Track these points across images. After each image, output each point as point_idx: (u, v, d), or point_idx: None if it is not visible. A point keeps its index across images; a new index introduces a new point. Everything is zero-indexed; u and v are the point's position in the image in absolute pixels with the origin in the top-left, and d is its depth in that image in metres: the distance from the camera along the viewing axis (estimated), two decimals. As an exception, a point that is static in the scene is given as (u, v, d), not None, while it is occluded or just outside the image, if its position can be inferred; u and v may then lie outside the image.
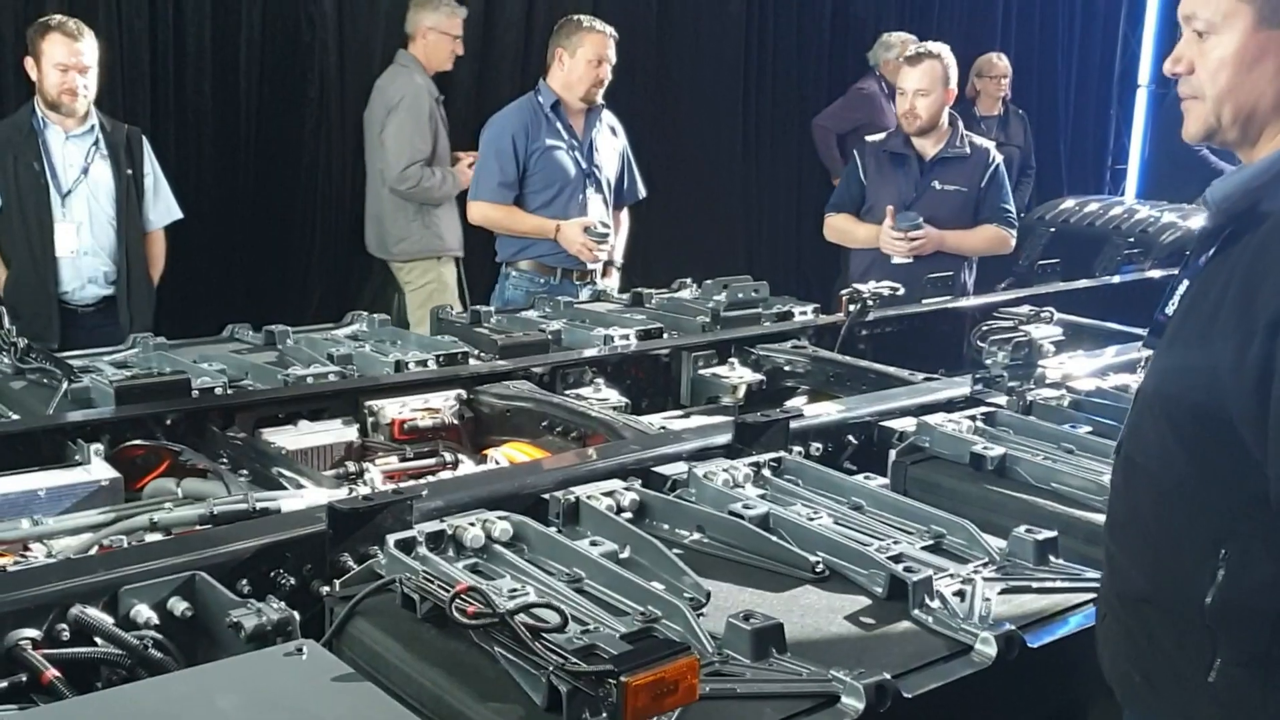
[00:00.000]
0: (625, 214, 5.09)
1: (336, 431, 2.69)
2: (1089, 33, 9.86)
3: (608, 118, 4.92)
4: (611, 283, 4.65)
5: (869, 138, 4.97)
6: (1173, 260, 5.42)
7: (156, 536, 1.99)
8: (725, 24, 7.46)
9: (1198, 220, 5.75)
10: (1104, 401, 2.80)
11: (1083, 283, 4.93)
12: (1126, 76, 10.39)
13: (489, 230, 4.87)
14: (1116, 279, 5.17)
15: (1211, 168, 7.50)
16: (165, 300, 4.81)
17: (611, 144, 4.88)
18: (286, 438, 2.61)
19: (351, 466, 2.47)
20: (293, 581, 1.84)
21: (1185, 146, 7.12)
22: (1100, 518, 2.18)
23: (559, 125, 4.70)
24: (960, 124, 4.83)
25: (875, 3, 8.26)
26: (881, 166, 4.76)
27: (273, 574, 1.84)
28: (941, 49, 4.77)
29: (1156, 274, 5.19)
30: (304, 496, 2.09)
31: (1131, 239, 5.71)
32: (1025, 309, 4.02)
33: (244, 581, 1.80)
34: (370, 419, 2.75)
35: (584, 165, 4.71)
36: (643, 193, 5.17)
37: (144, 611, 1.67)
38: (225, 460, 2.38)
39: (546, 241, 4.60)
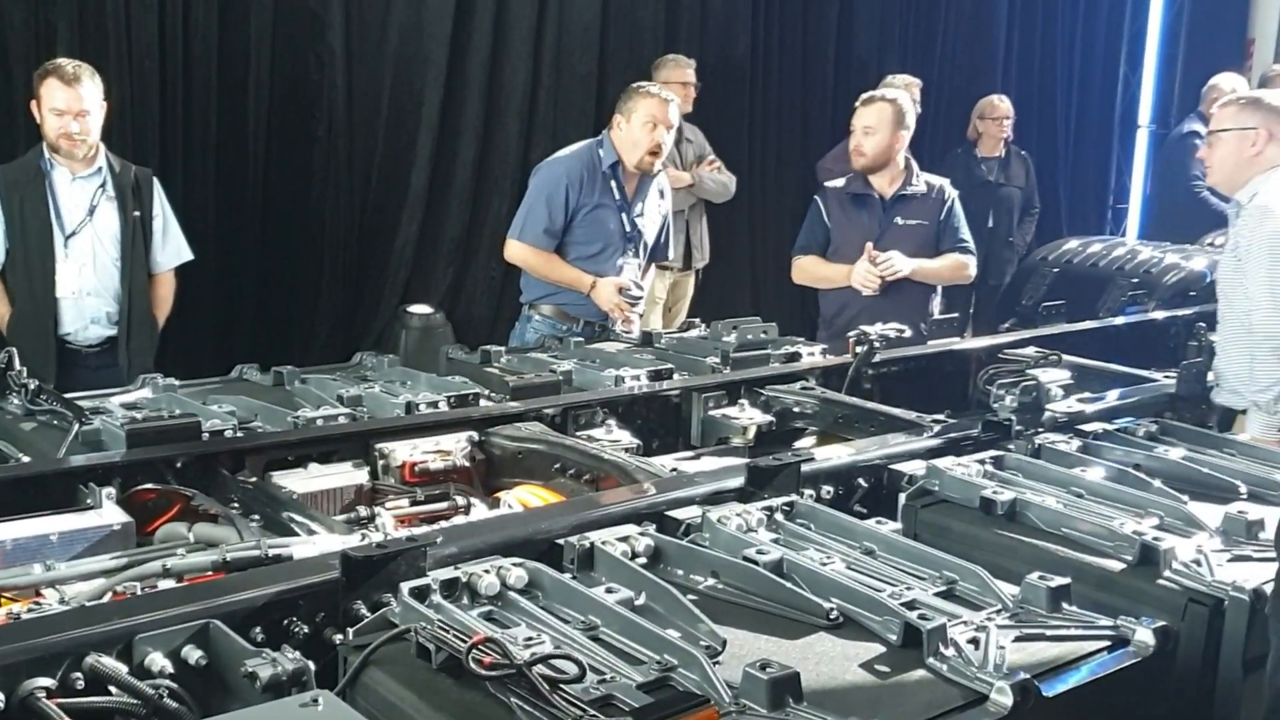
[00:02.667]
0: (652, 270, 5.09)
1: (347, 474, 2.69)
2: (1089, 74, 9.95)
3: (659, 181, 4.86)
4: (631, 330, 4.61)
5: (828, 183, 5.14)
6: (1176, 301, 5.44)
7: (169, 583, 1.98)
8: (730, 65, 7.53)
9: (1200, 261, 5.78)
10: (1113, 445, 2.81)
11: (1087, 324, 4.94)
12: (1127, 117, 10.47)
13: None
14: (1120, 320, 5.19)
15: (1213, 209, 7.54)
16: (168, 340, 4.83)
17: (657, 206, 4.84)
18: (297, 481, 2.60)
19: (363, 511, 2.46)
20: (306, 630, 1.83)
21: (1186, 187, 7.17)
22: (1111, 564, 2.20)
23: (613, 184, 4.64)
24: (914, 164, 4.99)
25: (878, 45, 8.34)
26: (845, 208, 4.93)
27: (286, 622, 1.83)
28: (898, 94, 5.01)
29: (1160, 315, 5.20)
30: (316, 543, 2.09)
31: (1135, 280, 5.73)
32: (1031, 350, 4.06)
33: (257, 629, 1.79)
34: (381, 461, 2.75)
35: (628, 228, 4.67)
36: (672, 254, 5.18)
37: (158, 660, 1.67)
38: (236, 504, 2.38)
39: (575, 291, 4.59)
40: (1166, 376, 3.80)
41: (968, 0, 8.98)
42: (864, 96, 4.95)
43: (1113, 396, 3.38)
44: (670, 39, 7.21)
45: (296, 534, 2.18)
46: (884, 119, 4.81)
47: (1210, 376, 3.77)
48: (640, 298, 4.66)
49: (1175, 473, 2.61)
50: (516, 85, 6.64)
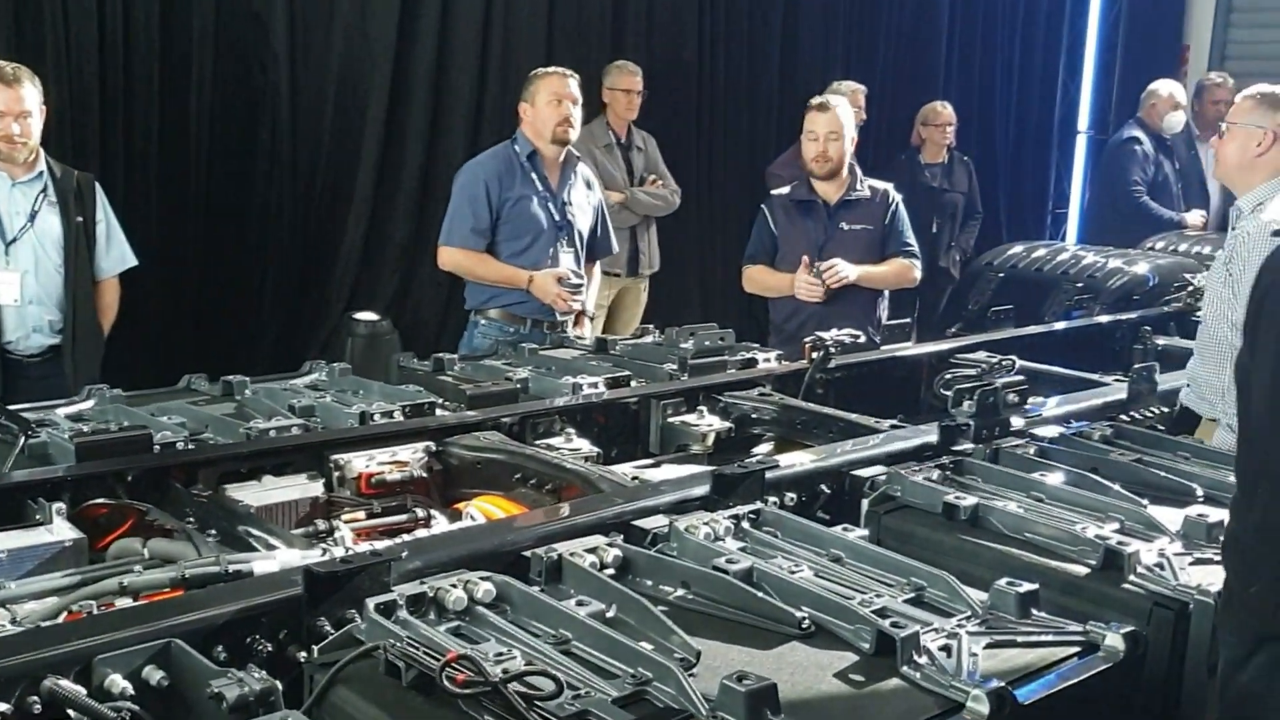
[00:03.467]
0: (598, 267, 5.12)
1: (302, 486, 2.64)
2: (1028, 81, 10.07)
3: (583, 171, 4.93)
4: (583, 333, 4.64)
5: (774, 191, 5.17)
6: (1120, 305, 5.52)
7: (126, 601, 1.93)
8: (677, 70, 7.53)
9: (1143, 266, 5.87)
10: (1069, 449, 2.83)
11: (1035, 328, 5.00)
12: (1066, 123, 10.62)
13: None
14: (1067, 324, 5.25)
15: (1153, 214, 7.68)
16: (110, 349, 4.72)
17: (586, 197, 4.88)
18: (251, 494, 2.56)
19: (321, 524, 2.42)
20: (269, 648, 1.79)
21: (1126, 193, 7.26)
22: (1075, 568, 2.21)
23: (534, 176, 4.69)
24: (858, 170, 5.03)
25: (822, 52, 8.39)
26: (790, 215, 4.95)
27: (249, 640, 1.79)
28: (842, 100, 5.06)
29: (1105, 319, 5.28)
30: (276, 558, 2.05)
31: (1080, 284, 5.80)
32: (982, 355, 4.10)
33: (220, 648, 1.75)
34: (336, 473, 2.70)
35: (557, 217, 4.70)
36: (615, 248, 5.22)
37: (119, 682, 1.62)
38: (192, 519, 2.33)
39: (517, 290, 4.58)
40: (1116, 380, 3.85)
41: (909, 8, 9.05)
42: (818, 102, 4.97)
43: (1067, 401, 3.41)
44: (617, 43, 7.19)
45: (255, 549, 2.14)
46: (844, 123, 4.86)
47: (1184, 377, 3.80)
48: (581, 285, 4.66)
49: (1132, 476, 2.64)
50: (463, 89, 6.59)
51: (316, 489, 2.65)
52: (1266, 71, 9.19)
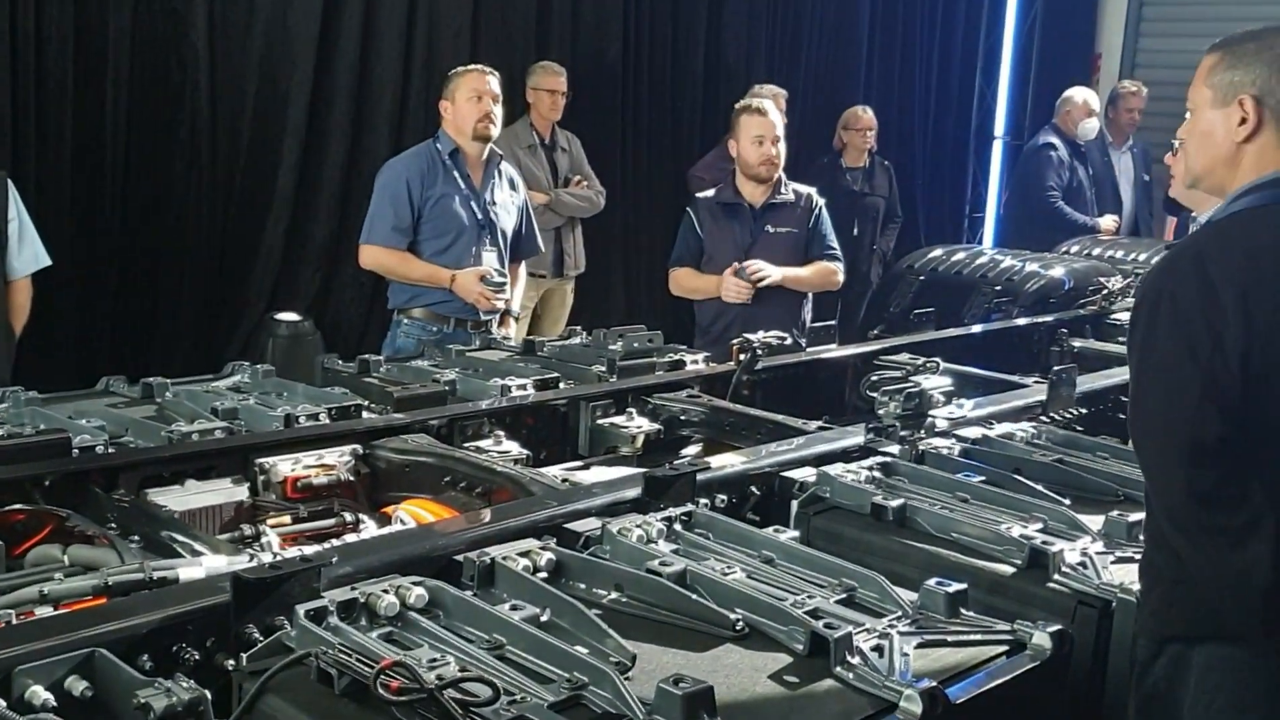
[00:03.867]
0: (523, 267, 5.11)
1: (226, 491, 2.59)
2: (946, 87, 10.23)
3: (507, 170, 4.92)
4: (509, 333, 4.62)
5: (700, 194, 5.20)
6: (1037, 308, 5.62)
7: (47, 610, 1.88)
8: (601, 71, 7.53)
9: (1059, 270, 5.98)
10: (992, 450, 2.88)
11: (955, 330, 5.08)
12: (982, 129, 10.79)
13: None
14: (987, 326, 5.33)
15: (1067, 219, 7.85)
16: (22, 352, 4.59)
17: (510, 196, 4.87)
18: (174, 498, 2.50)
19: (247, 529, 2.37)
20: (196, 656, 1.75)
21: (1042, 198, 7.43)
22: (1001, 568, 2.25)
23: (456, 174, 4.67)
24: (782, 173, 5.07)
25: (746, 55, 8.44)
26: (716, 218, 4.98)
27: (175, 648, 1.75)
28: (770, 103, 5.12)
29: (1023, 321, 5.37)
30: (203, 564, 2.01)
31: (998, 287, 5.89)
32: (906, 357, 4.14)
33: (145, 657, 1.71)
34: (261, 477, 2.66)
35: (479, 215, 4.68)
36: (541, 247, 5.21)
37: (40, 693, 1.57)
38: (113, 525, 2.27)
39: (440, 290, 4.54)
40: (1036, 381, 3.92)
41: (830, 13, 9.13)
42: (756, 105, 5.00)
43: (989, 402, 3.47)
44: (541, 44, 7.17)
45: (180, 555, 2.09)
46: (781, 125, 4.93)
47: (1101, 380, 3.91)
48: (504, 284, 4.65)
49: (1054, 476, 2.69)
50: (386, 87, 6.52)
51: (241, 493, 2.60)
52: (1177, 80, 9.44)
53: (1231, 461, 1.99)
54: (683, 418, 3.34)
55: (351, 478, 2.76)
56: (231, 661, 1.74)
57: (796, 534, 2.34)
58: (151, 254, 5.77)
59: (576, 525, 2.21)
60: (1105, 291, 5.72)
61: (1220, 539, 1.98)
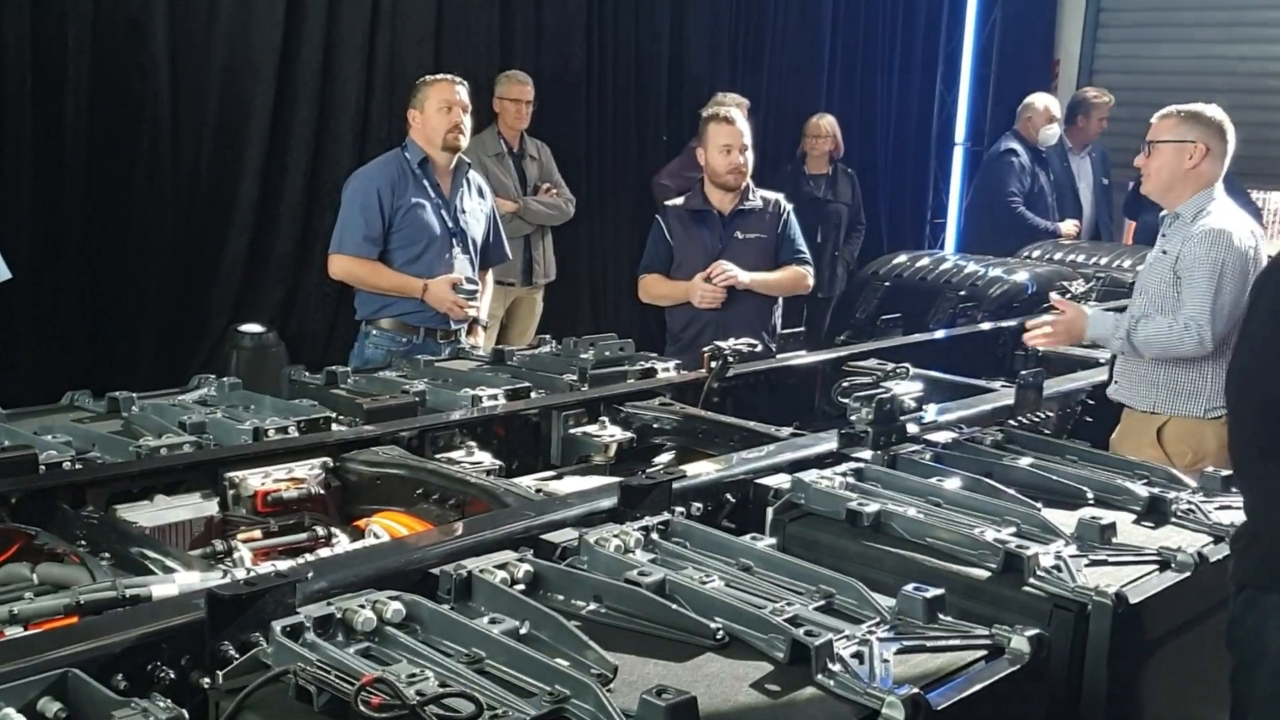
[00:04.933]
0: (490, 275, 5.10)
1: (196, 506, 2.57)
2: (907, 94, 10.29)
3: (475, 178, 4.91)
4: (477, 341, 4.60)
5: (669, 202, 5.23)
6: (1001, 312, 5.67)
7: (17, 630, 1.85)
8: (566, 79, 7.52)
9: (1023, 274, 6.04)
10: (962, 454, 2.89)
11: (922, 336, 5.11)
12: (943, 135, 10.87)
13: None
14: (953, 331, 5.37)
15: (1029, 224, 7.92)
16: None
17: (478, 205, 4.86)
18: (143, 514, 2.47)
19: (219, 545, 2.35)
20: (171, 675, 1.73)
21: (1004, 203, 7.58)
22: (976, 572, 2.26)
23: (426, 183, 4.66)
24: (750, 180, 5.10)
25: (709, 63, 8.46)
26: (686, 225, 5.01)
27: (150, 667, 1.73)
28: (738, 111, 5.15)
29: (988, 326, 5.41)
30: (175, 581, 1.98)
31: (963, 292, 5.94)
32: (875, 363, 4.17)
33: (119, 677, 1.68)
34: (231, 491, 2.63)
35: (450, 224, 4.66)
36: (509, 255, 5.19)
37: (12, 715, 1.54)
38: (83, 542, 2.24)
39: (409, 299, 4.52)
40: (1003, 385, 3.95)
41: (792, 22, 9.17)
42: (723, 114, 5.02)
43: (958, 406, 3.49)
44: (506, 52, 7.16)
45: (152, 572, 2.07)
46: (750, 135, 4.96)
47: (1114, 373, 4.07)
48: (476, 291, 4.65)
49: (1025, 480, 2.70)
50: (349, 96, 6.48)
51: (211, 508, 2.58)
52: (1134, 84, 9.59)
53: None
54: (655, 426, 3.34)
55: (322, 491, 2.73)
56: (207, 680, 1.72)
57: (773, 541, 2.34)
58: (113, 266, 5.70)
59: (553, 536, 2.20)
60: (1068, 295, 5.77)
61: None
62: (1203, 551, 2.33)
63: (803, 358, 4.22)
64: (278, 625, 1.73)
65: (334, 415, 3.08)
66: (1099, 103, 8.51)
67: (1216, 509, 2.55)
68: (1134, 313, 4.08)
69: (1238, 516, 2.49)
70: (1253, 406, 2.37)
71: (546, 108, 6.87)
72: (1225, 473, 2.71)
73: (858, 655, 1.82)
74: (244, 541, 2.44)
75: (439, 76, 4.79)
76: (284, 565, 2.09)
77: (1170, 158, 3.96)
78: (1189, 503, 2.57)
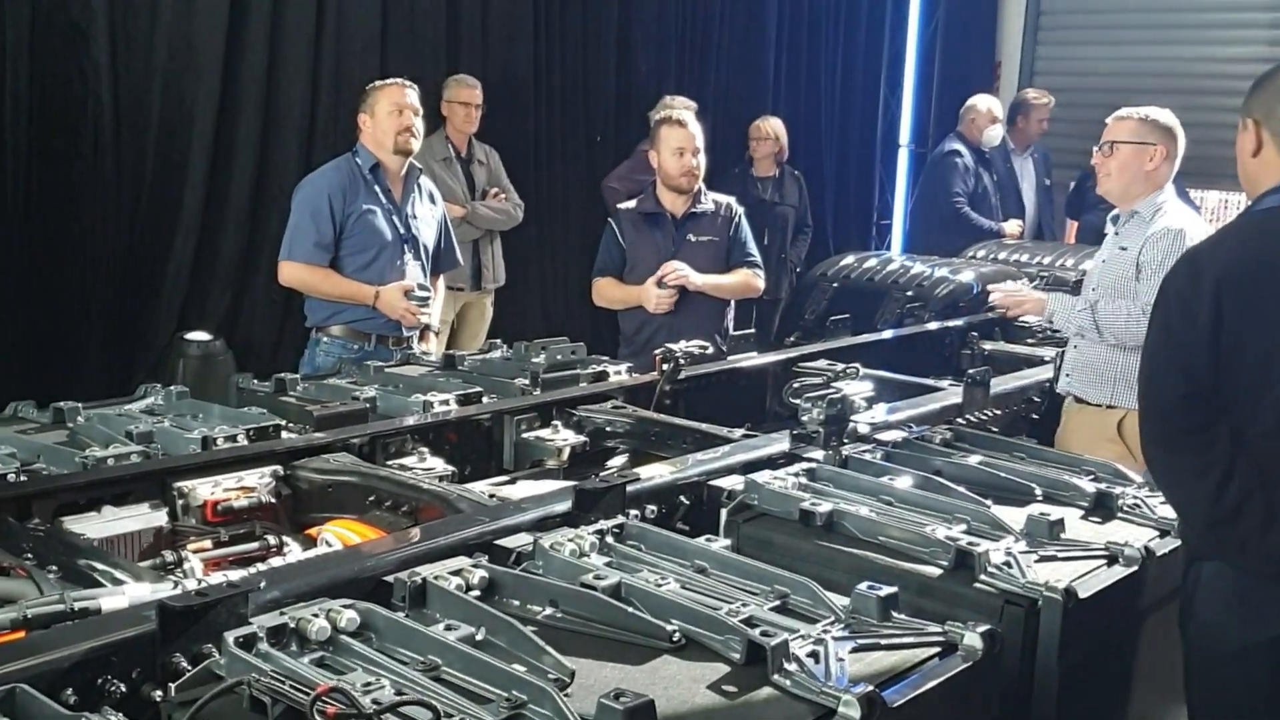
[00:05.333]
0: (442, 281, 5.08)
1: (145, 516, 2.53)
2: (851, 96, 10.36)
3: (426, 184, 4.88)
4: (429, 348, 4.58)
5: (621, 205, 5.24)
6: (948, 312, 5.73)
7: (-39, 646, 1.81)
8: (513, 84, 7.50)
9: (968, 274, 6.10)
10: (912, 453, 2.92)
11: (870, 336, 5.15)
12: (888, 137, 10.96)
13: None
14: (901, 331, 5.42)
15: (972, 224, 8.01)
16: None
17: (430, 211, 4.83)
18: (91, 526, 2.44)
19: (169, 555, 2.32)
20: (122, 688, 1.71)
21: (949, 204, 7.68)
22: (928, 570, 2.28)
23: (377, 188, 4.62)
24: (701, 183, 5.12)
25: (657, 67, 8.47)
26: (638, 228, 5.02)
27: (100, 681, 1.70)
28: (689, 114, 5.18)
29: (934, 325, 5.46)
30: (125, 593, 1.95)
31: (910, 293, 5.99)
32: (825, 363, 4.20)
33: (69, 691, 1.66)
34: (180, 501, 2.60)
35: (401, 230, 4.63)
36: (460, 261, 5.17)
37: (-41, 733, 1.52)
38: (29, 555, 2.20)
39: (360, 306, 4.49)
40: (950, 384, 3.99)
41: (738, 26, 9.21)
42: (676, 117, 5.03)
43: (907, 405, 3.52)
44: (452, 57, 7.13)
45: (101, 584, 2.04)
46: (702, 138, 4.98)
47: (1065, 367, 4.16)
48: (428, 297, 4.62)
49: (975, 478, 2.73)
50: (294, 101, 6.42)
51: (160, 518, 2.55)
52: (1074, 86, 9.73)
53: (1201, 415, 2.49)
54: (608, 429, 3.34)
55: (273, 499, 2.71)
56: (159, 693, 1.70)
57: (728, 542, 2.35)
58: (55, 274, 5.61)
59: (507, 541, 2.20)
60: (1014, 294, 5.84)
61: (1185, 477, 2.50)
62: (1149, 546, 2.38)
63: (754, 359, 4.24)
64: (230, 636, 1.72)
65: (284, 423, 3.06)
66: (1038, 104, 8.63)
67: (1162, 504, 2.60)
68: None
69: None
70: (1154, 408, 2.57)
71: (494, 112, 6.84)
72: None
73: (813, 654, 1.84)
74: (194, 552, 2.41)
75: (389, 80, 4.76)
76: (236, 575, 2.07)
77: (1130, 159, 4.07)
78: (1135, 498, 2.61)
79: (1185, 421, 2.51)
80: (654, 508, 2.53)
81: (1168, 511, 2.55)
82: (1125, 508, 2.58)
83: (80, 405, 3.13)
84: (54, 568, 2.13)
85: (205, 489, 2.63)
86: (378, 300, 4.47)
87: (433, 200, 4.89)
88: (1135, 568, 2.30)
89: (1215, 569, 2.50)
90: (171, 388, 3.37)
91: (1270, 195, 2.61)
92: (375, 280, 4.51)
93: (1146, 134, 4.07)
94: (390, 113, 4.58)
